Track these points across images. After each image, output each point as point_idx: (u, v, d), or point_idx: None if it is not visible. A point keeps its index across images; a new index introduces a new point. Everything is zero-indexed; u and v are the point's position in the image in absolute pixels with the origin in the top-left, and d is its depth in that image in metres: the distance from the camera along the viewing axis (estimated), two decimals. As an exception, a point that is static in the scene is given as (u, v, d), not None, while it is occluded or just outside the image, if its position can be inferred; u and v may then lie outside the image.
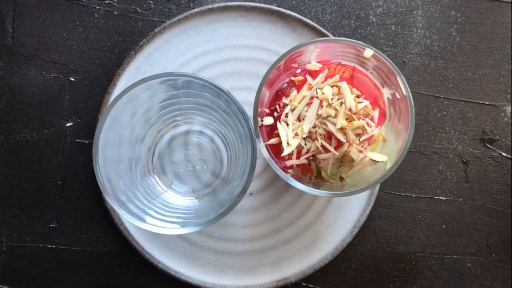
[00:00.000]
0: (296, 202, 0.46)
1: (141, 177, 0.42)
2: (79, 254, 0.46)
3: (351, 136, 0.34)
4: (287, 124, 0.36)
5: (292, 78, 0.37)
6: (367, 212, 0.46)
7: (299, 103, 0.36)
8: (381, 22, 0.48)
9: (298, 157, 0.36)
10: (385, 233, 0.47)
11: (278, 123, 0.36)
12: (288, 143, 0.35)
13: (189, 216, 0.40)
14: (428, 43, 0.48)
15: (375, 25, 0.48)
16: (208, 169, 0.45)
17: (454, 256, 0.48)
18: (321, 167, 0.37)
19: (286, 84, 0.37)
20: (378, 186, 0.46)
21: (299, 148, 0.36)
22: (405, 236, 0.47)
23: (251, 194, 0.46)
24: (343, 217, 0.46)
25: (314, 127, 0.35)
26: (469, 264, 0.48)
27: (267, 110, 0.37)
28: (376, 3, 0.48)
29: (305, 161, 0.36)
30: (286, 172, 0.36)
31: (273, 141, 0.36)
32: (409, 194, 0.48)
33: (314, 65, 0.37)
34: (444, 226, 0.48)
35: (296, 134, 0.35)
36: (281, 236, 0.46)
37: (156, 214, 0.38)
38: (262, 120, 0.36)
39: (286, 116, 0.36)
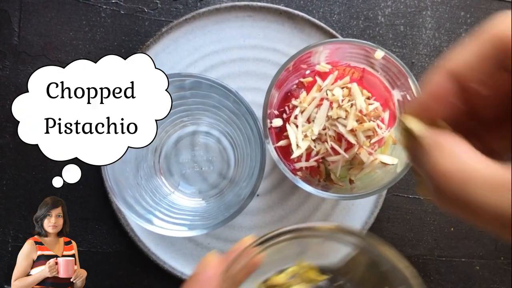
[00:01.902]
0: (303, 204, 0.46)
1: (147, 178, 0.42)
2: (85, 254, 0.46)
3: (362, 138, 0.34)
4: (297, 126, 0.35)
5: (301, 79, 0.37)
6: (375, 214, 0.45)
7: (308, 105, 0.35)
8: (389, 22, 0.48)
9: (307, 159, 0.35)
10: (393, 236, 0.47)
11: (287, 125, 0.35)
12: (297, 145, 0.34)
13: (196, 217, 0.40)
14: (437, 44, 0.48)
15: (383, 26, 0.48)
16: (215, 170, 0.45)
17: (462, 259, 0.47)
18: (330, 170, 0.36)
19: (295, 86, 0.37)
20: (386, 188, 0.46)
21: (309, 150, 0.35)
22: (413, 238, 0.47)
23: (257, 195, 0.45)
24: (350, 219, 0.45)
25: (324, 129, 0.35)
26: (477, 267, 0.47)
27: (276, 112, 0.37)
28: (384, 3, 0.48)
29: (314, 164, 0.35)
30: (295, 174, 0.35)
31: (282, 143, 0.36)
32: (417, 197, 0.47)
33: (323, 66, 0.36)
34: (452, 229, 0.47)
35: (306, 136, 0.35)
36: (288, 238, 0.45)
37: (163, 215, 0.38)
38: (271, 122, 0.35)
39: (296, 118, 0.35)
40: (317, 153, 0.35)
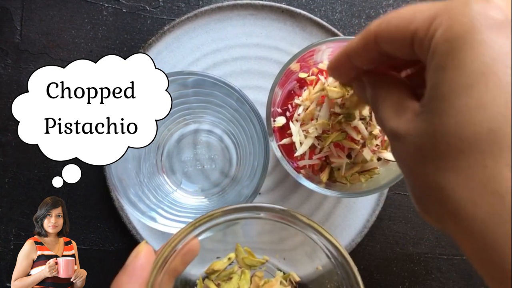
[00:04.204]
0: (305, 202, 0.46)
1: (150, 176, 0.42)
2: (87, 252, 0.46)
3: (365, 133, 0.34)
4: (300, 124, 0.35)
5: (304, 76, 0.36)
6: (377, 212, 0.45)
7: (311, 103, 0.35)
8: (391, 21, 0.48)
9: (310, 157, 0.35)
10: (395, 234, 0.47)
11: (291, 123, 0.35)
12: (301, 143, 0.34)
13: (198, 215, 0.39)
14: (439, 43, 0.48)
15: (385, 24, 0.48)
16: (217, 168, 0.45)
17: (464, 257, 0.47)
18: (333, 167, 0.36)
19: (298, 84, 0.37)
20: (387, 187, 0.46)
21: (312, 149, 0.35)
22: (414, 236, 0.47)
23: (260, 194, 0.45)
24: (352, 218, 0.46)
25: (328, 129, 0.35)
26: (479, 265, 0.48)
27: (279, 110, 0.37)
28: (386, 1, 0.48)
29: (317, 161, 0.35)
30: (297, 172, 0.35)
31: (285, 141, 0.36)
32: (418, 195, 0.47)
33: (326, 64, 0.36)
34: (453, 227, 0.47)
35: (308, 132, 0.35)
36: (290, 236, 0.45)
37: (165, 213, 0.38)
38: (274, 120, 0.35)
39: (299, 115, 0.35)
40: (320, 151, 0.35)
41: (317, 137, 0.35)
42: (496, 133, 0.17)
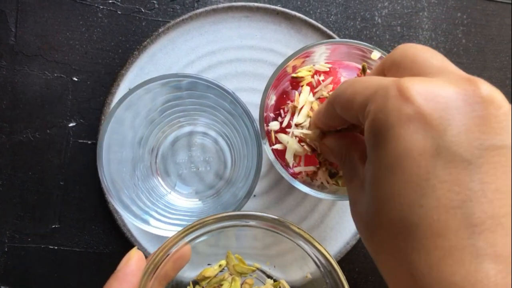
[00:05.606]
0: (300, 205, 0.46)
1: (144, 178, 0.42)
2: (81, 255, 0.46)
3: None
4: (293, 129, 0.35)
5: (294, 75, 0.36)
6: (372, 215, 0.45)
7: (301, 108, 0.35)
8: (386, 23, 0.48)
9: (306, 163, 0.35)
10: (389, 236, 0.47)
11: (282, 135, 0.35)
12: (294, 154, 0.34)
13: (192, 218, 0.39)
14: (434, 45, 0.48)
15: (380, 27, 0.48)
16: (211, 170, 0.45)
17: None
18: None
19: (290, 86, 0.37)
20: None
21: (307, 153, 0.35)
22: (409, 239, 0.47)
23: (254, 196, 0.45)
24: (347, 220, 0.45)
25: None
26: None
27: (272, 115, 0.36)
28: (381, 4, 0.48)
29: (313, 169, 0.35)
30: (294, 177, 0.35)
31: (278, 146, 0.35)
32: (413, 197, 0.47)
33: (323, 66, 0.36)
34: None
35: (300, 140, 0.34)
36: (284, 238, 0.45)
37: (159, 216, 0.38)
38: (267, 125, 0.35)
39: (290, 124, 0.35)
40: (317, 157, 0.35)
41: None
42: (404, 221, 0.20)
